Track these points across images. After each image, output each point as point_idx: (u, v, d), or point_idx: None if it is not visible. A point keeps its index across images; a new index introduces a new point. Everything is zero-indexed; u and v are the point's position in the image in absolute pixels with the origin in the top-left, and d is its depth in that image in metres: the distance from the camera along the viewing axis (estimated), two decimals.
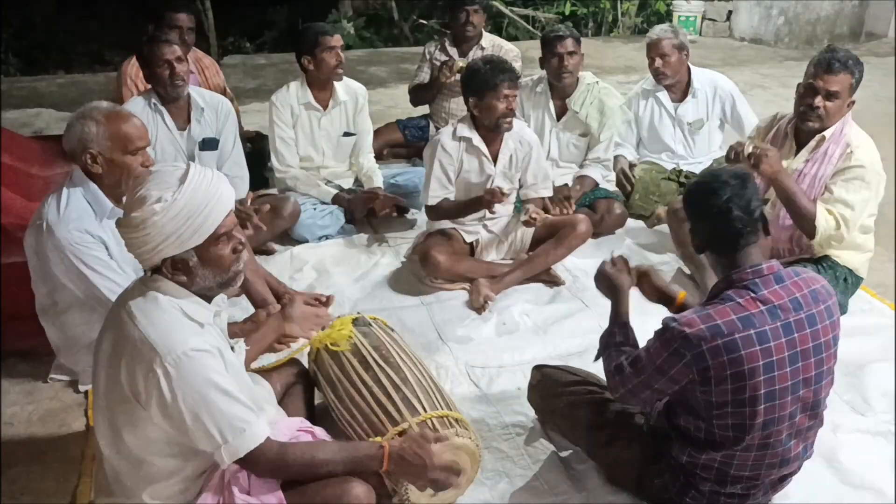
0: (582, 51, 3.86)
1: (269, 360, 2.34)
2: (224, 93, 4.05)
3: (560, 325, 3.13)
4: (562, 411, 2.33)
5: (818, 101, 2.84)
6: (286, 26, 9.51)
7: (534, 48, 4.08)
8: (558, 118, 3.98)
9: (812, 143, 2.94)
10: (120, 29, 8.49)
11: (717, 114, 4.11)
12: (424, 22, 9.78)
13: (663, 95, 4.08)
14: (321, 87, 3.81)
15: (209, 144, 3.44)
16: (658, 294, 2.26)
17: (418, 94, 4.72)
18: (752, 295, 1.86)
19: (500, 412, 2.61)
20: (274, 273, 3.20)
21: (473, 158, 3.35)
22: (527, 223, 3.27)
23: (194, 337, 1.65)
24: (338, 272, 3.57)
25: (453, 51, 4.53)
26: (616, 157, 4.06)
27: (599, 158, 4.00)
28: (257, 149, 4.34)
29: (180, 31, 3.88)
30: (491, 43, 4.55)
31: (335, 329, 2.35)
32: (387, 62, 8.29)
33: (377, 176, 4.00)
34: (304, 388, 2.36)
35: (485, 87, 3.14)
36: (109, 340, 1.70)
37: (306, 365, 2.43)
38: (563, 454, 2.41)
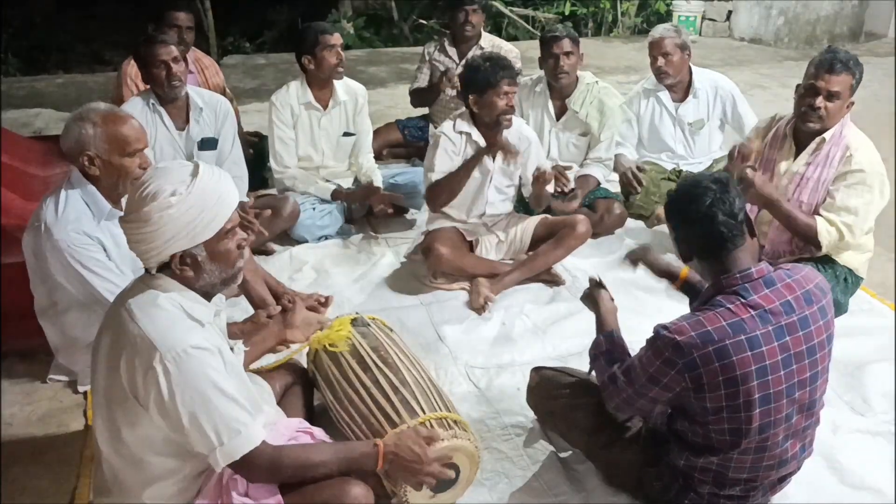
0: (581, 51, 3.86)
1: (267, 360, 2.33)
2: (223, 93, 4.04)
3: (560, 325, 3.12)
4: (561, 413, 2.33)
5: (819, 101, 2.83)
6: (286, 26, 9.51)
7: (533, 48, 4.08)
8: (557, 118, 3.98)
9: (812, 145, 2.93)
10: (120, 29, 8.51)
11: (718, 114, 4.11)
12: (424, 22, 9.78)
13: (664, 95, 4.08)
14: (321, 86, 3.81)
15: (208, 144, 3.44)
16: (659, 271, 2.32)
17: (418, 98, 4.73)
18: (742, 300, 1.84)
19: (499, 413, 2.60)
20: (273, 273, 3.20)
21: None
22: (536, 179, 3.27)
23: (195, 335, 1.65)
24: (337, 272, 3.57)
25: (452, 51, 4.53)
26: (617, 157, 4.06)
27: (600, 158, 3.99)
28: (257, 149, 4.34)
29: (179, 30, 3.88)
30: (490, 43, 4.55)
31: (334, 330, 2.35)
32: (386, 62, 8.30)
33: (376, 176, 4.00)
34: (302, 388, 2.36)
35: (485, 85, 3.14)
36: (108, 339, 1.69)
37: (305, 366, 2.43)
38: (563, 455, 2.41)
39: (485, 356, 2.92)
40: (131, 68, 3.82)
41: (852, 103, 2.90)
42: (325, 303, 2.69)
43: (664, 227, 3.75)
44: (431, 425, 2.03)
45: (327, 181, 3.93)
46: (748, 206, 2.91)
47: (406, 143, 4.82)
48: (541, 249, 3.43)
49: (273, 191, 4.06)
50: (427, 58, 4.65)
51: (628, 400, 1.99)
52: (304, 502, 1.75)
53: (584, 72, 3.98)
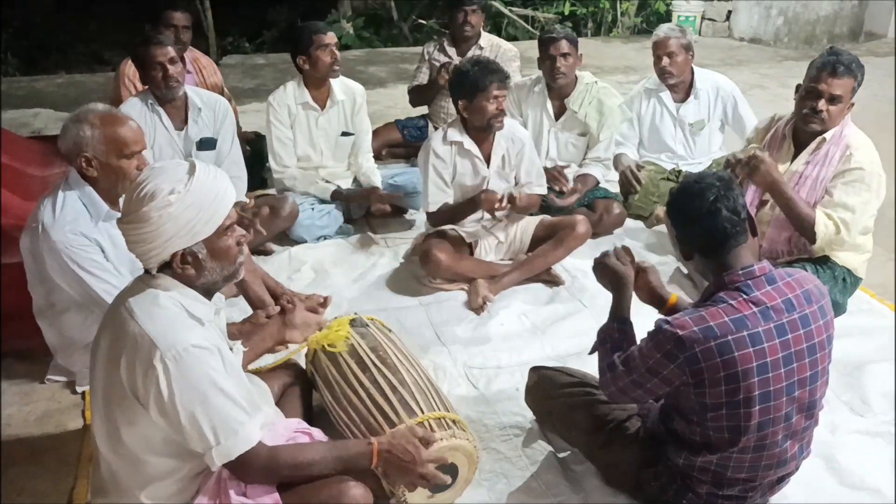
0: (579, 51, 3.85)
1: (266, 361, 2.33)
2: (221, 92, 4.04)
3: (558, 325, 3.12)
4: (559, 413, 2.33)
5: (821, 104, 2.82)
6: (285, 26, 9.50)
7: (533, 48, 4.08)
8: (556, 118, 3.98)
9: (812, 145, 2.93)
10: (119, 29, 8.50)
11: (719, 115, 4.11)
12: (424, 22, 9.78)
13: (666, 95, 4.08)
14: (318, 86, 3.81)
15: (207, 144, 3.44)
16: (650, 294, 2.23)
17: (417, 95, 4.72)
18: (745, 296, 1.85)
19: (498, 413, 2.60)
20: (272, 273, 3.19)
21: (466, 161, 3.35)
22: (510, 201, 3.25)
23: (195, 334, 1.66)
24: (336, 272, 3.57)
25: (452, 51, 4.53)
26: (618, 156, 4.06)
27: (599, 158, 3.99)
28: (256, 149, 4.34)
29: (176, 30, 3.88)
30: (489, 43, 4.55)
31: (332, 330, 2.35)
32: (386, 62, 8.30)
33: (376, 176, 4.00)
34: (301, 389, 2.36)
35: (474, 90, 3.14)
36: (108, 338, 1.69)
37: (304, 366, 2.43)
38: (561, 455, 2.40)
39: (483, 356, 2.92)
40: (129, 68, 3.82)
41: (853, 104, 2.89)
42: (323, 303, 2.68)
43: (663, 228, 3.77)
44: (430, 425, 2.03)
45: (327, 182, 3.93)
46: (748, 199, 2.92)
47: (405, 143, 4.82)
48: (540, 250, 3.43)
49: (272, 191, 4.06)
50: (426, 58, 4.65)
51: (624, 389, 1.99)
52: (302, 502, 1.75)
53: (583, 72, 3.98)
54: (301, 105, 3.81)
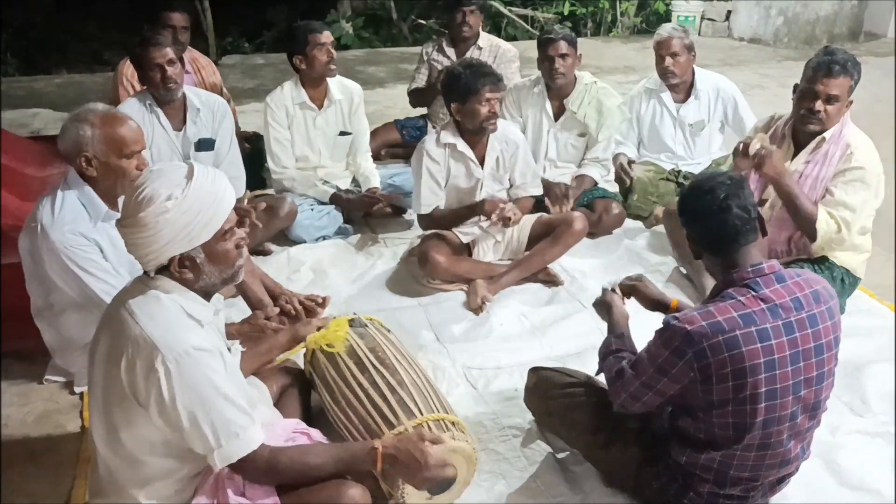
0: (578, 52, 3.85)
1: None
2: (220, 93, 4.04)
3: (557, 326, 3.12)
4: (559, 413, 2.33)
5: (818, 105, 2.81)
6: (285, 26, 9.49)
7: (533, 49, 4.07)
8: (556, 118, 3.97)
9: (812, 144, 2.92)
10: (119, 29, 8.49)
11: (719, 116, 4.11)
12: (423, 22, 9.79)
13: (666, 96, 4.07)
14: (315, 85, 3.80)
15: (205, 145, 3.43)
16: (652, 303, 2.32)
17: (418, 97, 4.73)
18: (754, 293, 1.86)
19: (497, 414, 2.60)
20: (271, 274, 3.18)
21: (460, 164, 3.35)
22: (505, 223, 3.26)
23: (196, 336, 1.66)
24: (335, 273, 3.56)
25: (450, 51, 4.52)
26: (616, 155, 4.06)
27: (598, 158, 3.99)
28: (255, 149, 4.33)
29: (174, 30, 3.87)
30: (488, 43, 4.55)
31: (331, 330, 2.35)
32: (385, 62, 8.29)
33: (374, 176, 3.99)
34: (299, 389, 2.36)
35: (467, 93, 3.14)
36: (107, 340, 1.69)
37: (302, 367, 2.42)
38: (560, 456, 2.40)
39: (482, 357, 2.92)
40: (127, 69, 3.81)
41: (851, 102, 2.89)
42: (322, 303, 2.69)
43: (662, 228, 3.76)
44: (429, 426, 2.03)
45: (325, 182, 3.92)
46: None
47: (404, 143, 4.81)
48: (537, 247, 3.43)
49: (271, 191, 4.06)
50: (425, 58, 4.65)
51: (635, 394, 1.99)
52: (300, 502, 1.75)
53: (583, 72, 3.98)
54: (298, 105, 3.80)
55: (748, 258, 1.91)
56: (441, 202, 3.40)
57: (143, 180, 1.66)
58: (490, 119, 3.19)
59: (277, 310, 2.55)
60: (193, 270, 1.69)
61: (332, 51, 3.71)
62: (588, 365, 2.60)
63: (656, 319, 2.03)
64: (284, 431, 1.93)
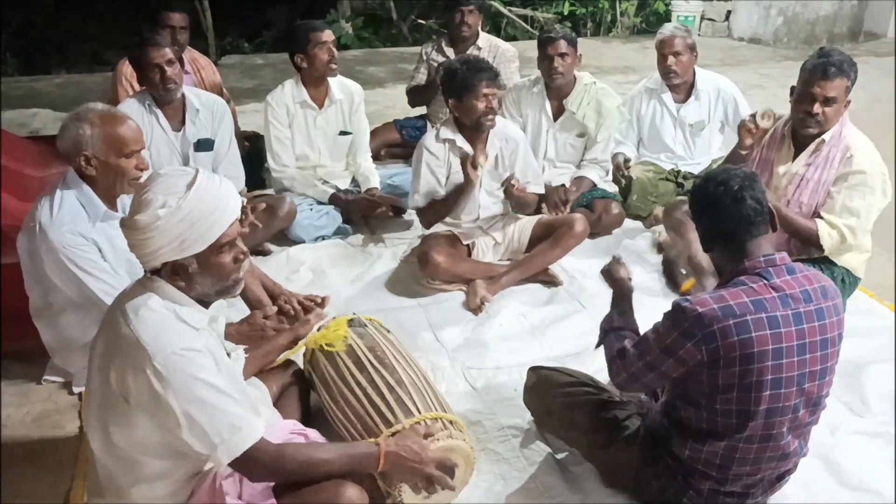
0: (578, 52, 3.85)
1: None
2: (220, 93, 4.03)
3: (557, 326, 3.12)
4: (558, 413, 2.33)
5: (816, 107, 2.80)
6: (285, 26, 9.49)
7: (532, 49, 4.07)
8: (555, 118, 3.97)
9: (812, 146, 2.91)
10: (119, 29, 8.49)
11: (719, 116, 4.10)
12: (423, 22, 9.79)
13: (666, 96, 4.07)
14: (316, 85, 3.80)
15: (204, 145, 3.43)
16: (674, 272, 2.35)
17: (416, 96, 4.73)
18: (765, 282, 1.88)
19: (496, 414, 2.59)
20: (270, 274, 3.17)
21: (459, 160, 3.34)
22: (507, 191, 3.29)
23: (185, 337, 1.65)
24: (334, 273, 3.56)
25: (450, 51, 4.52)
26: (614, 154, 4.05)
27: (597, 159, 3.99)
28: (254, 149, 4.33)
29: (173, 30, 3.87)
30: (488, 43, 4.55)
31: (330, 330, 2.35)
32: (385, 62, 8.29)
33: (374, 176, 3.99)
34: (299, 389, 2.36)
35: (463, 88, 3.14)
36: (104, 341, 1.69)
37: (301, 366, 2.42)
38: (560, 456, 2.40)
39: (482, 357, 2.91)
40: (127, 68, 3.81)
41: (849, 102, 2.89)
42: (321, 303, 2.68)
43: (661, 228, 3.76)
44: (427, 425, 2.02)
45: (325, 182, 3.92)
46: None
47: (404, 142, 4.81)
48: (538, 249, 3.42)
49: (271, 191, 4.06)
50: (424, 58, 4.65)
51: (635, 375, 2.00)
52: (298, 502, 1.74)
53: (582, 72, 3.98)
54: (299, 104, 3.80)
55: (760, 249, 1.93)
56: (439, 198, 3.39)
57: (149, 182, 1.66)
58: (487, 115, 3.19)
59: (276, 309, 2.55)
60: (184, 279, 1.68)
61: (334, 50, 3.71)
62: (588, 365, 2.61)
63: (647, 323, 2.03)
64: (282, 433, 1.93)
